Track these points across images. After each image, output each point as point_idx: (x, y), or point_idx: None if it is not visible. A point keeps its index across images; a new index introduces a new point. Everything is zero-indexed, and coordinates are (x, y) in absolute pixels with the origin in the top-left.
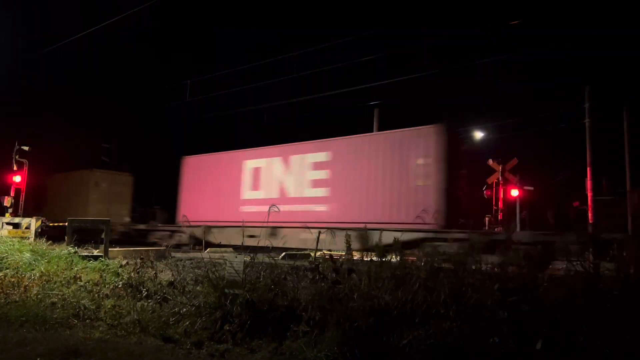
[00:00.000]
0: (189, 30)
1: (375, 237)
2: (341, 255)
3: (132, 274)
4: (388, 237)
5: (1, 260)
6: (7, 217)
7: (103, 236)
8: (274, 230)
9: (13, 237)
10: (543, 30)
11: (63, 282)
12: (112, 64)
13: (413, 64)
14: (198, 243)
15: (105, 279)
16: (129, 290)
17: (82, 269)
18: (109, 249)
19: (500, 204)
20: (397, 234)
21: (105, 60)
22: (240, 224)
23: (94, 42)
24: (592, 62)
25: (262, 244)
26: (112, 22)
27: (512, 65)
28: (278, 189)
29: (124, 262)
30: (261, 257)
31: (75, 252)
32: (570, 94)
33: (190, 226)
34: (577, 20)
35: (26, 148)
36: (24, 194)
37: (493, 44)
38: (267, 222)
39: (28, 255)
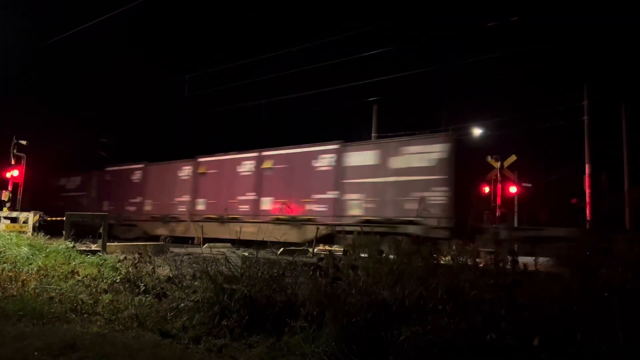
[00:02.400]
0: (188, 26)
1: None
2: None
3: (130, 269)
4: None
5: None
6: (5, 212)
7: (101, 231)
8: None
9: (11, 232)
10: (542, 27)
11: (61, 276)
12: (111, 58)
13: (412, 61)
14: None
15: (103, 274)
16: (126, 285)
17: (80, 263)
18: (107, 244)
19: (499, 200)
20: None
21: (104, 55)
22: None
23: (91, 38)
24: (590, 60)
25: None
26: (110, 17)
27: (510, 62)
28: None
29: (122, 257)
30: (260, 252)
31: (73, 247)
32: (568, 92)
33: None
34: (575, 18)
35: (24, 142)
36: (21, 188)
37: (492, 40)
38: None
39: (26, 249)
